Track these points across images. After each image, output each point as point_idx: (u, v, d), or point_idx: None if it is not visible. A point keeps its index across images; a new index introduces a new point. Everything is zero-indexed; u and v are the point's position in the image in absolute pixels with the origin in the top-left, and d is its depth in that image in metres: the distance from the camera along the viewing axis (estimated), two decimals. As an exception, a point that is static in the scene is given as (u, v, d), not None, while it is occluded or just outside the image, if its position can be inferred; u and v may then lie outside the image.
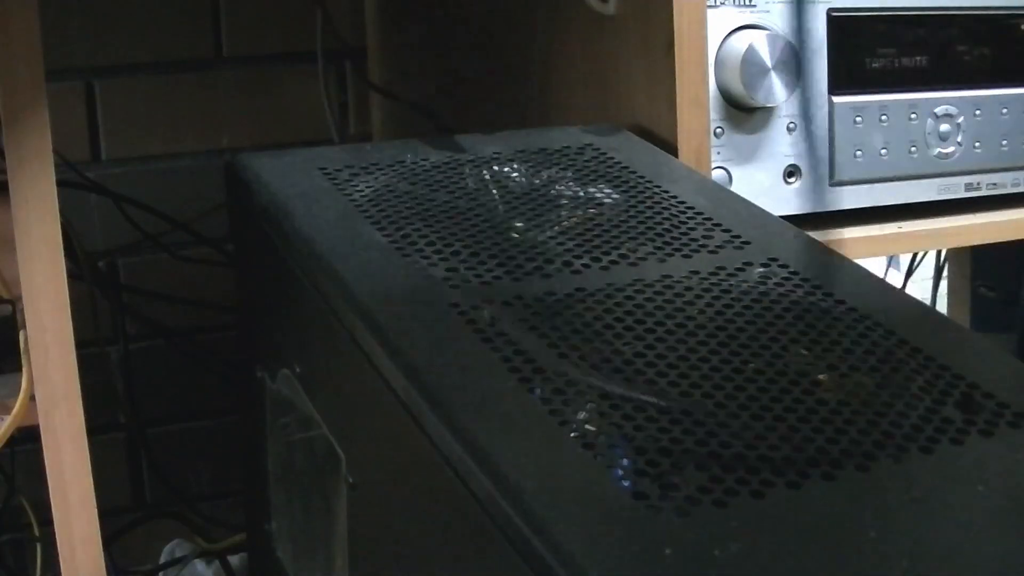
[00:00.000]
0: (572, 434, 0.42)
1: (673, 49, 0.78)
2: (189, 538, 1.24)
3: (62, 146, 0.97)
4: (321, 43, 1.24)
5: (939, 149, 0.97)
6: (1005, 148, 0.98)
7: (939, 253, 1.55)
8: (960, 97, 0.93)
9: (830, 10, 0.86)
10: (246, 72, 1.24)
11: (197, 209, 1.20)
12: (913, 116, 0.95)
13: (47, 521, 0.93)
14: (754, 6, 0.83)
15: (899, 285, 1.49)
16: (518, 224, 0.59)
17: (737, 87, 0.85)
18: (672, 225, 0.61)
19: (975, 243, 1.18)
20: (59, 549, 0.91)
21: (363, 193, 0.63)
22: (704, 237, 0.60)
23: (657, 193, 0.65)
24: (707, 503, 0.39)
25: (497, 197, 0.63)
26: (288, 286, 0.62)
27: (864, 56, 0.89)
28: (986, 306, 1.54)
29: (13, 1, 0.79)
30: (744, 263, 0.57)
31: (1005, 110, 0.95)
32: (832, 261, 0.58)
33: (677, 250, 0.58)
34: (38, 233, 0.83)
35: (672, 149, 0.78)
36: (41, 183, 0.82)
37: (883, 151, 0.96)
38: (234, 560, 1.17)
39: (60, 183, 0.88)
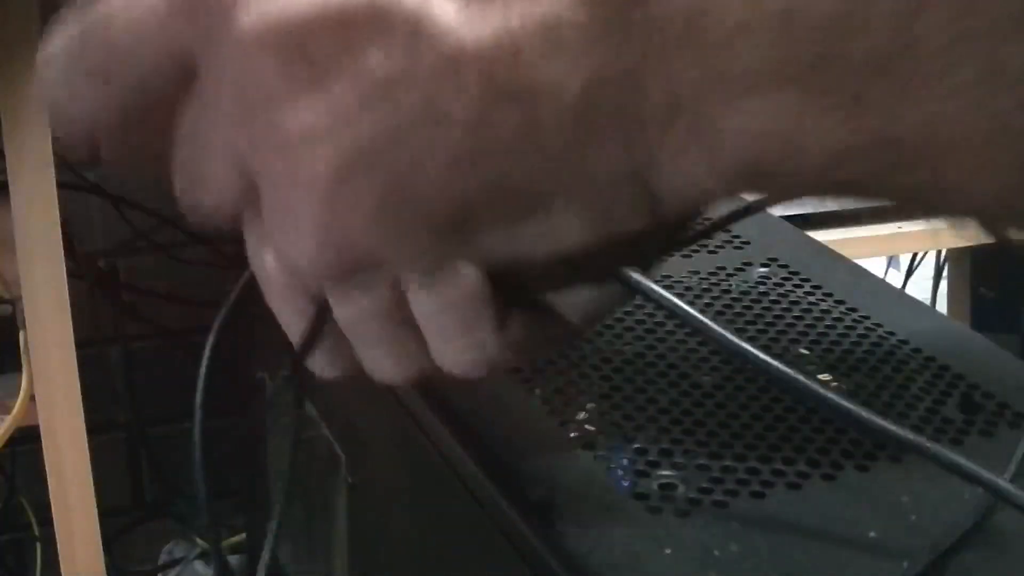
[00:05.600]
0: (572, 434, 0.42)
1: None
2: (189, 538, 1.24)
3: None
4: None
5: (939, 149, 0.97)
6: (1005, 148, 0.98)
7: (939, 253, 1.55)
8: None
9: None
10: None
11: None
12: (913, 116, 0.94)
13: (47, 521, 0.94)
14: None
15: (899, 285, 1.49)
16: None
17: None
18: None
19: (975, 243, 1.18)
20: (59, 549, 0.92)
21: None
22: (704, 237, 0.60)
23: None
24: (707, 503, 0.39)
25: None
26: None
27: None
28: (986, 306, 1.54)
29: (13, 1, 0.79)
30: (744, 263, 0.57)
31: (1005, 110, 0.95)
32: (832, 261, 0.58)
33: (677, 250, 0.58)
34: (38, 233, 0.83)
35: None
36: (41, 183, 0.82)
37: (883, 151, 0.96)
38: (234, 560, 1.17)
39: (60, 183, 0.88)
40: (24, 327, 0.87)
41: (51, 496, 0.92)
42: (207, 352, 0.43)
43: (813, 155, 0.26)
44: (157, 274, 1.24)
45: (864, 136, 0.25)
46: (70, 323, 0.88)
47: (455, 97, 0.27)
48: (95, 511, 0.93)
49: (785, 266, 0.57)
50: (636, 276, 0.34)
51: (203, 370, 0.43)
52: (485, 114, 0.27)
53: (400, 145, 0.28)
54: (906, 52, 0.23)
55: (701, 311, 0.35)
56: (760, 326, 0.51)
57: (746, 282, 0.55)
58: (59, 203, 0.87)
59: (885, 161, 0.25)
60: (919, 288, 1.57)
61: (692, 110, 0.26)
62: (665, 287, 0.53)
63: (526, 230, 0.29)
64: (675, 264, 0.57)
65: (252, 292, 0.40)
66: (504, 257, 0.30)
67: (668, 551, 0.36)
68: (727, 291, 0.54)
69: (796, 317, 0.51)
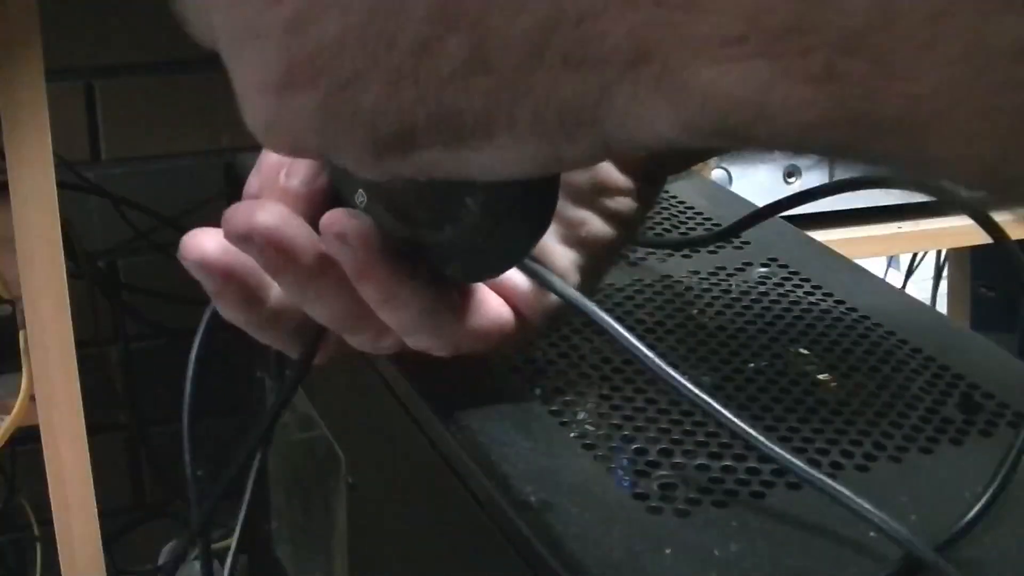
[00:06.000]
0: (572, 434, 0.42)
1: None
2: (189, 538, 1.24)
3: (62, 146, 0.97)
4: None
5: (939, 149, 0.97)
6: (1005, 148, 0.98)
7: (939, 253, 1.55)
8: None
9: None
10: (246, 72, 1.24)
11: (197, 209, 1.20)
12: (913, 116, 0.95)
13: (47, 521, 0.94)
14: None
15: (899, 285, 1.49)
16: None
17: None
18: (672, 225, 0.61)
19: (975, 243, 1.18)
20: (59, 549, 0.92)
21: (363, 193, 0.63)
22: (704, 237, 0.60)
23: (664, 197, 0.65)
24: (707, 503, 0.39)
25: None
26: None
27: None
28: (986, 306, 1.54)
29: (13, 1, 0.79)
30: (744, 263, 0.57)
31: (1005, 110, 0.95)
32: (832, 261, 0.58)
33: (677, 250, 0.58)
34: (38, 233, 0.83)
35: (672, 149, 0.78)
36: (41, 183, 0.82)
37: (883, 151, 0.96)
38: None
39: (60, 184, 0.87)
40: (24, 327, 0.87)
41: (51, 496, 0.92)
42: (196, 344, 0.45)
43: (784, 123, 0.25)
44: (157, 274, 1.24)
45: (840, 109, 0.24)
46: (70, 323, 0.88)
47: (400, 18, 0.27)
48: (95, 511, 0.93)
49: (785, 266, 0.57)
50: (547, 273, 0.41)
51: (191, 366, 0.44)
52: (430, 40, 0.27)
53: (345, 58, 0.28)
54: (885, 25, 0.22)
55: (617, 316, 0.39)
56: (760, 326, 0.51)
57: (746, 282, 0.55)
58: (59, 203, 0.86)
59: (863, 133, 0.24)
60: (919, 288, 1.58)
61: (656, 62, 0.25)
62: (665, 286, 0.54)
63: (467, 154, 0.29)
64: (675, 264, 0.57)
65: None
66: (443, 175, 0.31)
67: (668, 551, 0.36)
68: (727, 291, 0.54)
69: (796, 317, 0.51)
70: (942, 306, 1.55)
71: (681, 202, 0.64)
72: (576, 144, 0.28)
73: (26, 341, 0.87)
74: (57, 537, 0.92)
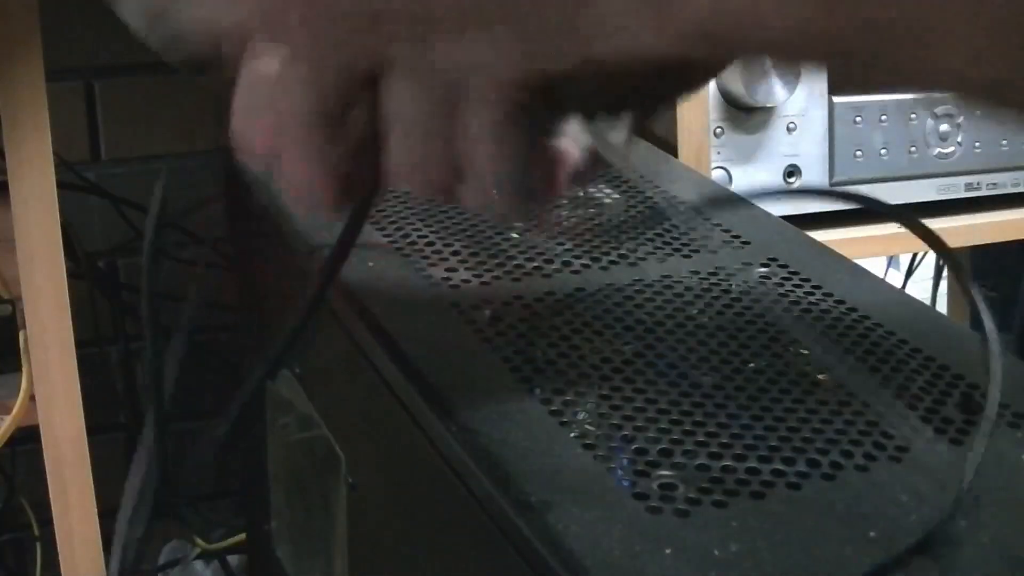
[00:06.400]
0: (572, 434, 0.42)
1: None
2: (189, 538, 1.24)
3: (62, 146, 0.97)
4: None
5: (939, 149, 0.97)
6: (1005, 148, 0.98)
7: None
8: (960, 97, 0.93)
9: (830, 10, 0.86)
10: (246, 72, 1.24)
11: (197, 209, 1.20)
12: (913, 116, 0.95)
13: (47, 521, 0.93)
14: (754, 6, 0.83)
15: (899, 285, 1.49)
16: (518, 224, 0.59)
17: (737, 87, 0.85)
18: (672, 225, 0.61)
19: (975, 243, 1.18)
20: (59, 549, 0.92)
21: (363, 193, 0.63)
22: (704, 237, 0.60)
23: (657, 193, 0.65)
24: (707, 503, 0.39)
25: (497, 197, 0.63)
26: (287, 286, 0.62)
27: (864, 56, 0.89)
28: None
29: (13, 1, 0.79)
30: (744, 263, 0.57)
31: (1005, 110, 0.95)
32: (832, 261, 0.58)
33: (677, 250, 0.58)
34: (38, 233, 0.83)
35: (672, 149, 0.78)
36: (41, 183, 0.82)
37: (883, 151, 0.96)
38: (234, 560, 1.17)
39: (60, 184, 0.87)
40: (24, 327, 0.87)
41: (51, 496, 0.92)
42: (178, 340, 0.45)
43: (780, 26, 0.24)
44: (157, 274, 1.24)
45: (842, 19, 0.23)
46: (70, 323, 0.88)
47: None
48: (95, 511, 0.93)
49: (785, 266, 0.57)
50: None
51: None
52: None
53: None
54: None
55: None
56: (760, 326, 0.51)
57: (746, 282, 0.55)
58: (59, 203, 0.86)
59: (865, 44, 0.24)
60: (919, 288, 1.57)
61: None
62: (666, 287, 0.54)
63: (449, 51, 0.29)
64: (675, 264, 0.57)
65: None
66: (432, 71, 0.30)
67: (668, 551, 0.36)
68: (727, 291, 0.54)
69: (796, 317, 0.51)
70: (942, 306, 1.55)
71: (681, 202, 0.64)
72: (557, 51, 0.28)
73: (26, 341, 0.87)
74: (57, 537, 0.92)
